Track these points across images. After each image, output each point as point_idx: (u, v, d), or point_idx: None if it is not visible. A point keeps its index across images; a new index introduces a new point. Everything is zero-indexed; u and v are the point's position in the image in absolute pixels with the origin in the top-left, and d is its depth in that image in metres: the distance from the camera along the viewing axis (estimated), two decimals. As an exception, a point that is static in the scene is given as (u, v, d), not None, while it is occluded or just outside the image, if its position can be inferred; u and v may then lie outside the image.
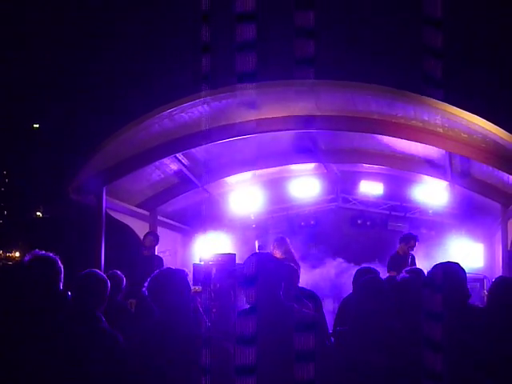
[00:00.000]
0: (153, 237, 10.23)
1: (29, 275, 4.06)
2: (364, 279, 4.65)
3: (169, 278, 3.92)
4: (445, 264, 4.17)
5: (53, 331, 3.89)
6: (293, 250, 9.31)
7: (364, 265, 7.23)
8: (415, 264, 10.02)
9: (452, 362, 3.66)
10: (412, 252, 10.17)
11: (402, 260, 9.92)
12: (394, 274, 9.10)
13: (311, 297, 6.26)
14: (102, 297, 4.17)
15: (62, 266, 4.14)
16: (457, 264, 4.13)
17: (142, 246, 10.18)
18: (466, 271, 4.22)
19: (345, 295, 7.12)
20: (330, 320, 6.62)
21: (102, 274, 4.28)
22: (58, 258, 4.14)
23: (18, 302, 4.01)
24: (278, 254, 9.05)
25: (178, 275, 3.96)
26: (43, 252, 4.15)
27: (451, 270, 4.06)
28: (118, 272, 7.50)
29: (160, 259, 10.16)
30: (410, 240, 10.17)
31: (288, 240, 9.44)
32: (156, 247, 10.47)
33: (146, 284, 3.94)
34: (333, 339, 6.35)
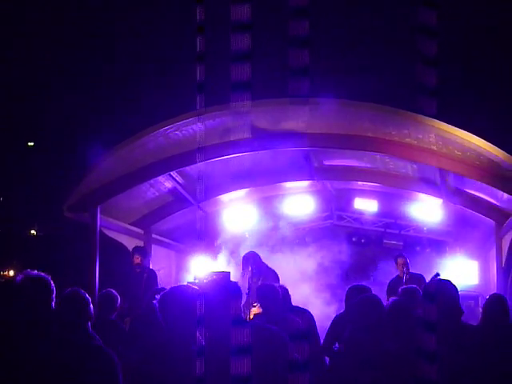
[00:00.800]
0: (138, 253, 10.11)
1: (20, 295, 4.03)
2: (360, 298, 4.62)
3: (179, 297, 3.89)
4: (437, 282, 4.16)
5: (45, 349, 3.86)
6: (263, 262, 9.37)
7: (357, 282, 7.22)
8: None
9: (447, 381, 3.64)
10: (406, 271, 10.10)
11: (400, 283, 9.88)
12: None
13: (303, 315, 6.25)
14: (83, 312, 4.16)
15: (54, 286, 4.11)
16: (448, 281, 4.13)
17: (133, 265, 10.12)
18: (461, 289, 4.22)
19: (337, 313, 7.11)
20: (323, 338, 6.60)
21: (82, 292, 4.30)
22: (49, 278, 4.11)
23: (9, 322, 3.98)
24: (247, 271, 9.09)
25: (189, 295, 3.91)
26: (35, 272, 4.12)
27: (443, 287, 4.06)
28: (113, 291, 7.46)
29: (151, 271, 10.07)
30: (397, 259, 10.27)
31: (258, 254, 9.48)
32: (150, 261, 10.43)
33: (157, 297, 3.93)
34: (327, 359, 6.35)
